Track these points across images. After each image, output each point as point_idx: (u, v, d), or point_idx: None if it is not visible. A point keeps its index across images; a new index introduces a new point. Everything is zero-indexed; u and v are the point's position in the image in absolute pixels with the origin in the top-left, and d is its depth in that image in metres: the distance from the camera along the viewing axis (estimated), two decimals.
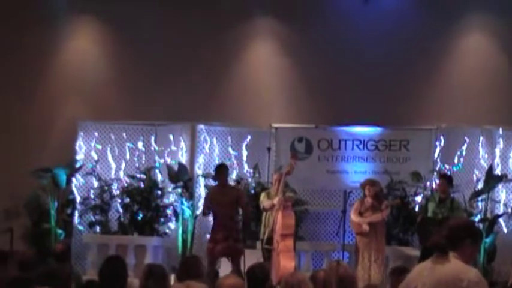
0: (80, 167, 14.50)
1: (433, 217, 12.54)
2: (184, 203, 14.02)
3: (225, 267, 12.22)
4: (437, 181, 13.16)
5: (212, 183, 13.27)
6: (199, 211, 14.13)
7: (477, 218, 13.29)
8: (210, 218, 12.86)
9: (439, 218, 12.36)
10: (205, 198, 12.60)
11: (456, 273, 4.97)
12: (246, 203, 12.43)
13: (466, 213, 13.10)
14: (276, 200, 12.08)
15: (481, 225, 13.15)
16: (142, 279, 6.51)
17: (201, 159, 14.48)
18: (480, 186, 13.59)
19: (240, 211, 12.35)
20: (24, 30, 15.17)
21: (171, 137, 14.55)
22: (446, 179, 12.94)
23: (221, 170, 12.28)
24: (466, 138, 13.96)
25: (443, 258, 5.11)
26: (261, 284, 7.21)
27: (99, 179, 14.44)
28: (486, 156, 13.90)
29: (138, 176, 14.31)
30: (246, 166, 14.35)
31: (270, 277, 8.88)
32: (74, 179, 14.46)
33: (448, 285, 4.93)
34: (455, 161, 13.90)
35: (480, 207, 13.51)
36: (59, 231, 14.02)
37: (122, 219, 14.18)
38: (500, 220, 13.61)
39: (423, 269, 5.23)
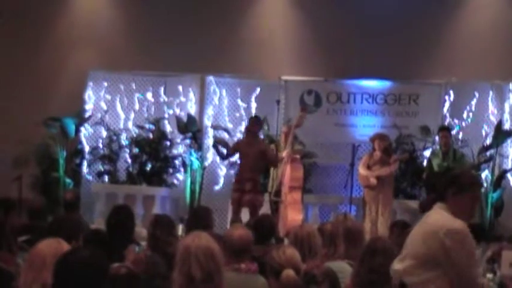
0: (89, 116, 14.52)
1: (438, 171, 12.51)
2: (193, 154, 14.06)
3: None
4: (439, 135, 12.99)
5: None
6: (207, 162, 14.18)
7: (484, 173, 13.34)
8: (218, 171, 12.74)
9: (443, 170, 12.33)
10: (232, 145, 12.42)
11: (436, 223, 4.96)
12: (272, 154, 12.02)
13: (474, 168, 13.11)
14: (284, 153, 12.07)
15: (488, 180, 13.21)
16: (150, 229, 6.57)
17: (210, 111, 14.48)
18: (489, 141, 13.57)
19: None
20: None
21: (180, 88, 14.53)
22: (448, 131, 12.92)
23: (254, 121, 12.12)
24: (475, 93, 13.88)
25: (431, 211, 5.14)
26: (268, 236, 7.27)
27: (108, 129, 14.47)
28: (495, 111, 13.86)
29: (147, 126, 14.34)
30: None
31: (276, 229, 8.95)
32: (82, 129, 14.49)
33: (428, 234, 4.93)
34: (464, 115, 13.87)
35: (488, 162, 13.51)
36: (68, 180, 14.09)
37: (130, 169, 14.23)
38: (508, 175, 13.61)
39: None
